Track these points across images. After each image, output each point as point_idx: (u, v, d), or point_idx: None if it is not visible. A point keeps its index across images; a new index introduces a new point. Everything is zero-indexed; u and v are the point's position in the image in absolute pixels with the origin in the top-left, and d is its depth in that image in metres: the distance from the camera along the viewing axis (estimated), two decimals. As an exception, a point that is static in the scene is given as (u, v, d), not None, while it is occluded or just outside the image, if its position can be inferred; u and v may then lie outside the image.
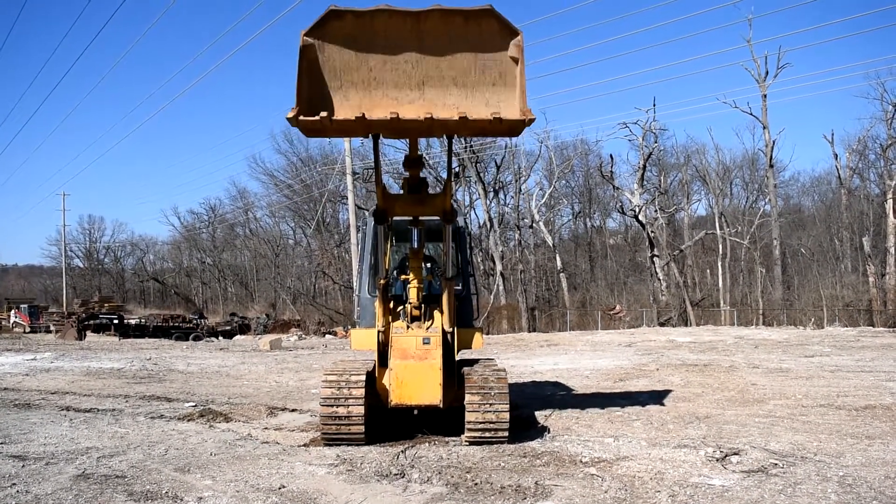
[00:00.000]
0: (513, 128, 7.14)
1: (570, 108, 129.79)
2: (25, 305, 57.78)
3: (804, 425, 9.17)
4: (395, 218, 8.67)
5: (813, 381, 13.60)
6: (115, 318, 42.07)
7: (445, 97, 7.08)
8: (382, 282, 8.52)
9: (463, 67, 7.15)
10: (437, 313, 8.66)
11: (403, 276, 9.12)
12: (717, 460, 7.09)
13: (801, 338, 27.05)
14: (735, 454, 7.28)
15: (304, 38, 6.99)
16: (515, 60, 7.09)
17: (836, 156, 52.41)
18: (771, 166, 48.17)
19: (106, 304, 52.29)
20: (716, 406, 10.96)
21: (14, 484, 6.43)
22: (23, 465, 7.15)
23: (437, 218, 8.37)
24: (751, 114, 48.45)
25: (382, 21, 7.07)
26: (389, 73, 7.08)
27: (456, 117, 6.75)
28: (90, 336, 37.60)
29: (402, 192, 8.46)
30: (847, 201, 53.18)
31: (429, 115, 6.68)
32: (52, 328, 47.88)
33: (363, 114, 6.65)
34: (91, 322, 40.64)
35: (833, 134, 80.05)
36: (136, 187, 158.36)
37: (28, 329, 49.19)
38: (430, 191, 8.54)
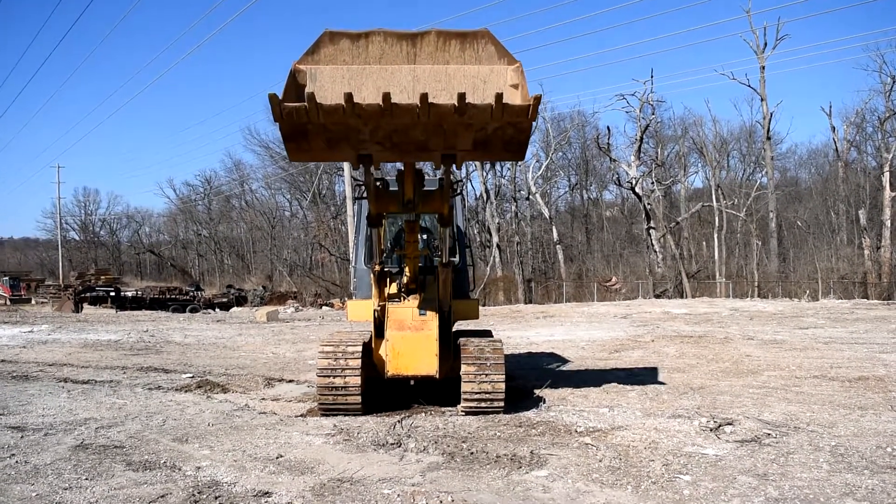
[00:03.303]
0: (518, 122, 6.27)
1: (567, 79, 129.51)
2: (7, 277, 57.68)
3: (797, 396, 9.24)
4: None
5: (807, 353, 13.69)
6: (112, 291, 42.01)
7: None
8: (378, 267, 8.35)
9: (460, 94, 6.71)
10: (433, 285, 8.67)
11: (399, 251, 9.06)
12: (711, 430, 7.15)
13: (796, 310, 27.19)
14: (729, 424, 7.34)
15: (296, 66, 6.72)
16: (516, 87, 6.76)
17: (833, 128, 52.33)
18: (768, 138, 48.09)
19: (102, 277, 52.20)
20: (710, 377, 11.04)
21: (13, 454, 6.47)
22: (21, 436, 7.19)
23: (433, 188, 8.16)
24: (749, 86, 48.34)
25: (378, 44, 6.80)
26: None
27: (455, 102, 6.00)
28: (87, 308, 37.59)
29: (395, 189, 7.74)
30: (844, 174, 53.14)
31: (424, 95, 5.98)
32: (33, 301, 47.96)
33: (350, 94, 5.97)
34: (88, 294, 40.60)
35: (831, 106, 79.42)
36: (131, 159, 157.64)
37: (9, 301, 48.93)
38: (428, 186, 8.05)
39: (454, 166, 7.01)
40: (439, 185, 7.72)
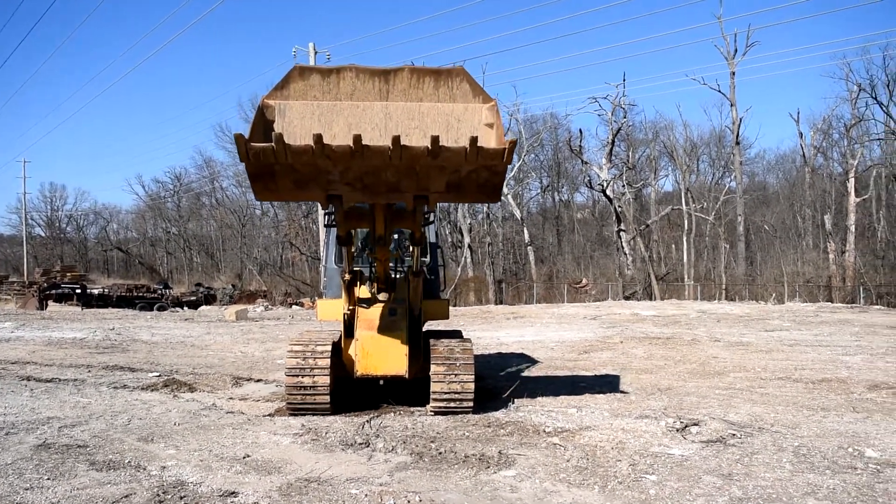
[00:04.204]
0: (492, 165, 6.10)
1: (539, 81, 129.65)
2: None
3: (762, 397, 9.38)
4: None
5: (772, 355, 13.90)
6: (78, 288, 41.35)
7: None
8: (347, 277, 8.20)
9: (434, 133, 6.38)
10: (403, 285, 8.65)
11: (370, 254, 8.96)
12: (678, 431, 7.23)
13: (762, 312, 27.58)
14: (695, 425, 7.42)
15: (265, 101, 6.58)
16: (491, 126, 6.64)
17: (801, 134, 53.24)
18: (737, 143, 48.73)
19: (68, 274, 51.28)
20: (677, 378, 11.16)
21: (-27, 453, 6.35)
22: (-18, 435, 7.06)
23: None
24: (719, 91, 48.92)
25: (349, 80, 6.66)
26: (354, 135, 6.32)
27: (427, 144, 5.81)
28: (52, 306, 36.97)
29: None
30: (810, 179, 54.03)
31: (396, 138, 5.76)
32: None
33: (320, 135, 5.75)
34: (53, 292, 39.91)
35: (799, 113, 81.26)
36: (99, 155, 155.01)
37: None
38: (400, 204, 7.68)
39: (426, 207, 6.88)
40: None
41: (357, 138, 5.73)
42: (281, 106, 6.67)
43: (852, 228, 44.44)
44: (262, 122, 6.48)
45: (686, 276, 50.98)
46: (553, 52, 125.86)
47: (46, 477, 5.67)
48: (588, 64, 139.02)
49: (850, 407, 8.66)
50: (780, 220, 56.42)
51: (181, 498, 5.16)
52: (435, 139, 5.76)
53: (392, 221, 7.47)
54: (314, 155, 5.82)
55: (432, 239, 10.29)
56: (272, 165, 5.97)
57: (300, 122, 6.63)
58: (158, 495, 5.21)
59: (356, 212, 7.46)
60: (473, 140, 5.84)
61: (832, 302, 37.34)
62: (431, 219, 8.56)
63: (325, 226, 7.24)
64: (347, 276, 8.21)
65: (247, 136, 6.03)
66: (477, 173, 6.16)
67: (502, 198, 55.13)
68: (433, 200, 6.61)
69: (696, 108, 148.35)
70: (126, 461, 6.17)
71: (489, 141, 6.41)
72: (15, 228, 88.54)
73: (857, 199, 44.79)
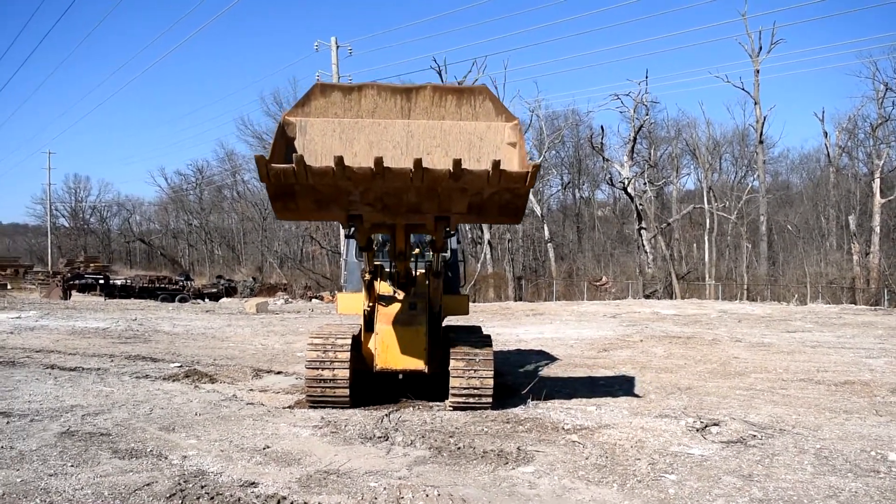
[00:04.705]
0: (515, 188, 6.09)
1: (561, 77, 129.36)
2: None
3: (783, 399, 9.30)
4: None
5: (794, 356, 13.77)
6: (101, 279, 41.77)
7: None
8: (368, 277, 8.23)
9: (456, 152, 6.58)
10: (423, 279, 8.66)
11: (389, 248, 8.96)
12: (697, 430, 7.19)
13: (784, 313, 27.30)
14: (715, 425, 7.38)
15: (286, 118, 6.59)
16: (514, 145, 6.61)
17: (825, 134, 52.45)
18: (761, 142, 48.24)
19: (91, 265, 51.92)
20: (697, 378, 11.08)
21: (-2, 439, 6.45)
22: (7, 422, 7.17)
23: None
24: (743, 89, 48.35)
25: (371, 98, 6.64)
26: (376, 154, 6.26)
27: (449, 167, 5.77)
28: (75, 296, 37.37)
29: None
30: (835, 179, 53.34)
31: (418, 161, 5.70)
32: (9, 286, 47.60)
33: (341, 157, 5.72)
34: (76, 282, 40.33)
35: (824, 112, 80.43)
36: (122, 147, 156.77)
37: None
38: None
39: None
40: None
41: (378, 161, 5.71)
42: (302, 123, 6.69)
43: (877, 230, 43.83)
44: (283, 140, 6.50)
45: (707, 276, 50.56)
46: (575, 48, 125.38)
47: (70, 464, 5.75)
48: (610, 60, 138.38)
49: (872, 410, 8.57)
50: (804, 221, 55.80)
51: (202, 487, 5.21)
52: (457, 162, 5.73)
53: (413, 231, 7.44)
54: (335, 176, 5.81)
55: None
56: (293, 186, 5.98)
57: (321, 140, 6.63)
58: (179, 484, 5.26)
59: (377, 224, 7.45)
60: (496, 164, 5.81)
61: (856, 304, 36.88)
62: (453, 232, 8.52)
63: (345, 236, 7.26)
64: (368, 277, 8.22)
65: (267, 154, 6.07)
66: (499, 195, 6.14)
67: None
68: (454, 221, 6.59)
69: (720, 106, 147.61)
70: (148, 450, 6.24)
71: (512, 160, 6.39)
72: (40, 219, 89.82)
73: (883, 200, 44.13)
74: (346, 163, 5.75)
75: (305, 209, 6.31)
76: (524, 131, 6.93)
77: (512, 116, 6.84)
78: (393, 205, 6.20)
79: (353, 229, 7.38)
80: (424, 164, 5.75)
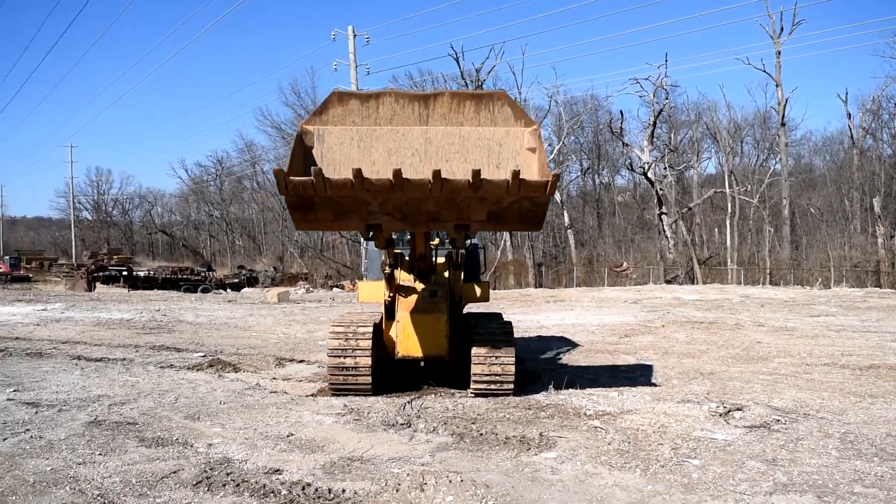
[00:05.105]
0: (535, 197, 6.08)
1: (580, 62, 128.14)
2: (8, 256, 58.09)
3: (808, 383, 9.23)
4: None
5: (818, 340, 13.65)
6: (124, 270, 42.29)
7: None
8: (387, 270, 8.22)
9: (475, 158, 6.58)
10: (443, 268, 8.67)
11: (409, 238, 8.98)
12: (720, 415, 7.16)
13: (808, 297, 27.06)
14: (738, 410, 7.34)
15: (304, 126, 6.58)
16: (533, 150, 6.56)
17: (849, 115, 51.74)
18: (783, 125, 47.70)
19: (115, 257, 52.59)
20: (720, 363, 11.03)
21: (28, 430, 6.55)
22: (36, 412, 7.28)
23: None
24: (764, 71, 47.84)
25: (389, 105, 6.62)
26: (394, 162, 6.37)
27: (468, 177, 5.74)
28: (99, 287, 37.83)
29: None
30: (859, 161, 52.63)
31: (437, 172, 5.67)
32: (32, 276, 48.32)
33: (360, 169, 5.69)
34: (100, 274, 40.85)
35: (847, 93, 78.71)
36: (143, 139, 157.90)
37: (10, 278, 48.99)
38: None
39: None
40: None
41: (397, 172, 5.70)
42: (320, 131, 6.68)
43: (902, 212, 43.29)
44: (301, 149, 6.48)
45: (729, 260, 50.18)
46: (593, 32, 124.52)
47: (98, 452, 5.83)
48: (629, 44, 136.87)
49: (899, 393, 8.48)
50: (827, 204, 55.14)
51: (227, 474, 5.27)
52: (476, 172, 5.71)
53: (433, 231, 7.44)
54: (354, 188, 5.81)
55: None
56: (311, 198, 5.99)
57: (339, 148, 6.61)
58: (205, 471, 5.33)
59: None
60: (516, 173, 5.78)
61: (880, 287, 36.48)
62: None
63: (365, 239, 7.26)
64: (387, 270, 8.23)
65: (285, 164, 6.08)
66: (519, 204, 6.12)
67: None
68: (474, 229, 6.55)
69: (740, 89, 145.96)
70: (174, 438, 6.32)
71: (531, 166, 6.36)
72: (63, 212, 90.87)
73: (908, 182, 43.57)
74: (365, 171, 5.75)
75: (324, 220, 6.32)
76: (543, 116, 6.93)
77: (531, 121, 6.81)
78: (412, 214, 6.19)
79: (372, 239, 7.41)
80: (443, 172, 5.74)
